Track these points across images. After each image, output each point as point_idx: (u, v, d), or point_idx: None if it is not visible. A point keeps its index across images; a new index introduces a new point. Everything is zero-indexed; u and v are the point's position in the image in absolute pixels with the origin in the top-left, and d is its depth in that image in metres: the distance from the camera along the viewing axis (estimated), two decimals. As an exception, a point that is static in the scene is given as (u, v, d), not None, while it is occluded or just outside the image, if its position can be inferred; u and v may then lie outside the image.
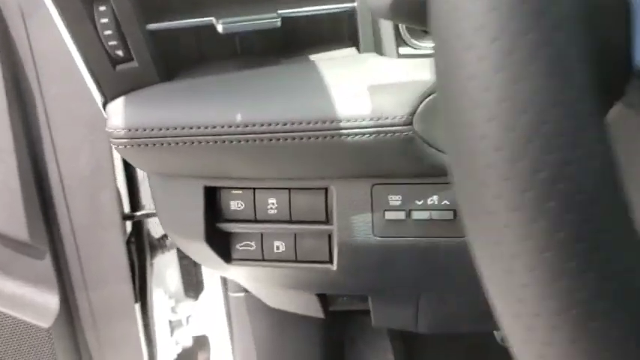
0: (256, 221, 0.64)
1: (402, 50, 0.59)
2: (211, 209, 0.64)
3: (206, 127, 0.54)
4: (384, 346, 1.29)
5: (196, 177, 0.61)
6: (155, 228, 1.24)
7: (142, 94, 0.56)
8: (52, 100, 0.95)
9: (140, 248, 1.16)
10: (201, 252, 0.66)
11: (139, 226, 1.15)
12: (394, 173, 0.59)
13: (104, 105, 0.57)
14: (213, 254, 0.66)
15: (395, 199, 0.59)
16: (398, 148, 0.55)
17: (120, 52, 0.53)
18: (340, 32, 0.65)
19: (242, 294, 1.08)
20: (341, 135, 0.53)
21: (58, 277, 1.02)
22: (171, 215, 0.64)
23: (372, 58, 0.60)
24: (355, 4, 0.60)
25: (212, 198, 0.64)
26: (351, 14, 0.62)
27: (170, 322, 1.32)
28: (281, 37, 0.65)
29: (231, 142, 0.54)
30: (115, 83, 0.56)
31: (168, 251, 1.24)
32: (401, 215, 0.60)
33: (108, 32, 0.52)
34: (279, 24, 0.58)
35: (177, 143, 0.54)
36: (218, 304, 1.17)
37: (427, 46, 0.60)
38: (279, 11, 0.58)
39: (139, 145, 0.55)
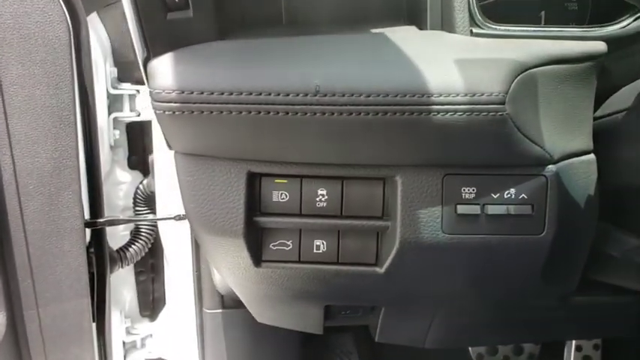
0: (300, 215, 0.56)
1: (475, 30, 0.56)
2: (251, 199, 0.55)
3: (277, 94, 0.45)
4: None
5: (239, 160, 0.52)
6: (112, 238, 1.11)
7: (194, 51, 0.47)
8: (11, 83, 0.83)
9: (100, 260, 1.02)
10: (229, 252, 0.57)
11: (99, 235, 1.02)
12: (473, 161, 0.53)
13: (145, 61, 0.47)
14: (242, 255, 0.57)
15: (469, 192, 0.54)
16: (488, 130, 0.49)
17: (176, -6, 0.44)
18: (398, 8, 0.59)
19: (219, 310, 1.00)
20: (430, 111, 0.47)
21: (5, 292, 0.88)
22: (202, 206, 0.55)
23: (445, 35, 0.55)
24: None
25: (252, 187, 0.55)
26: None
27: (124, 343, 1.18)
28: (330, 10, 0.58)
29: (305, 113, 0.46)
30: (163, 35, 0.46)
31: (128, 265, 1.12)
32: (475, 209, 0.54)
33: (167, -32, 0.42)
34: None
35: (239, 112, 0.45)
36: (186, 322, 1.06)
37: (499, 27, 0.57)
38: None
39: (192, 112, 0.45)
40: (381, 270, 0.58)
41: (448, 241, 0.56)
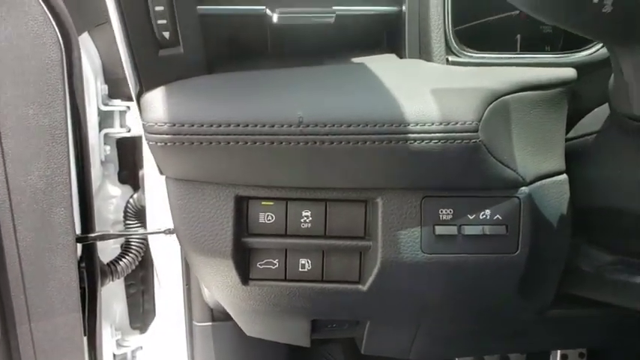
0: (286, 235, 0.58)
1: (451, 58, 0.59)
2: (239, 221, 0.57)
3: (263, 126, 0.48)
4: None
5: (227, 185, 0.55)
6: (103, 252, 1.13)
7: (185, 85, 0.50)
8: (5, 104, 0.85)
9: (91, 274, 1.04)
10: (218, 271, 0.59)
11: (90, 250, 1.04)
12: (450, 185, 0.56)
13: (139, 95, 0.50)
14: (231, 274, 0.59)
15: (446, 213, 0.56)
16: (463, 156, 0.52)
17: (167, 34, 0.46)
18: (380, 38, 0.62)
19: (209, 323, 1.01)
20: (407, 140, 0.50)
21: (-1, 308, 0.89)
22: (193, 228, 0.57)
23: (422, 64, 0.58)
24: (404, 7, 0.58)
25: (239, 209, 0.57)
26: (392, 20, 0.60)
27: (114, 356, 1.19)
28: (314, 39, 0.61)
29: (289, 142, 0.49)
30: (155, 70, 0.49)
31: (118, 278, 1.13)
32: (452, 230, 0.57)
33: (159, 8, 0.45)
34: (333, 20, 0.54)
35: (227, 142, 0.48)
36: (176, 335, 1.08)
37: (474, 55, 0.60)
38: (335, 7, 0.54)
39: (183, 143, 0.48)
40: (364, 287, 0.61)
41: (427, 261, 0.58)
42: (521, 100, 0.57)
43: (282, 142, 0.49)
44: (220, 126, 0.48)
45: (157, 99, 0.49)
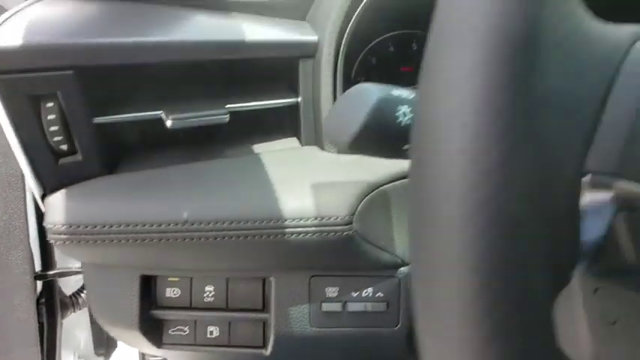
0: (192, 308, 0.64)
1: (340, 146, 0.63)
2: (145, 296, 0.63)
3: (151, 225, 0.53)
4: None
5: (132, 267, 0.61)
6: (66, 285, 1.18)
7: (83, 188, 0.55)
8: (-37, 153, 0.90)
9: (51, 309, 1.10)
10: (131, 339, 0.65)
11: (50, 285, 1.09)
12: (333, 267, 0.61)
13: (43, 197, 0.55)
14: (143, 342, 0.64)
15: (332, 291, 0.62)
16: (338, 245, 0.57)
17: (64, 147, 0.52)
18: (282, 124, 0.67)
19: (159, 358, 1.06)
20: (285, 234, 0.55)
21: (-42, 345, 0.95)
22: (104, 304, 0.63)
23: (313, 154, 0.63)
24: (299, 99, 0.63)
25: (147, 285, 0.63)
26: (293, 108, 0.64)
27: (78, 383, 1.25)
28: (224, 128, 0.66)
29: (176, 239, 0.54)
30: (56, 176, 0.54)
31: (80, 309, 1.19)
32: (337, 307, 0.62)
33: (54, 128, 0.50)
34: (227, 119, 0.59)
35: (120, 240, 0.54)
36: (133, 365, 1.13)
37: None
38: (228, 106, 0.59)
39: (79, 242, 0.53)
40: (266, 353, 0.66)
41: (316, 334, 0.63)
42: (402, 186, 0.61)
43: (169, 239, 0.54)
44: (112, 226, 0.53)
45: (56, 202, 0.54)
